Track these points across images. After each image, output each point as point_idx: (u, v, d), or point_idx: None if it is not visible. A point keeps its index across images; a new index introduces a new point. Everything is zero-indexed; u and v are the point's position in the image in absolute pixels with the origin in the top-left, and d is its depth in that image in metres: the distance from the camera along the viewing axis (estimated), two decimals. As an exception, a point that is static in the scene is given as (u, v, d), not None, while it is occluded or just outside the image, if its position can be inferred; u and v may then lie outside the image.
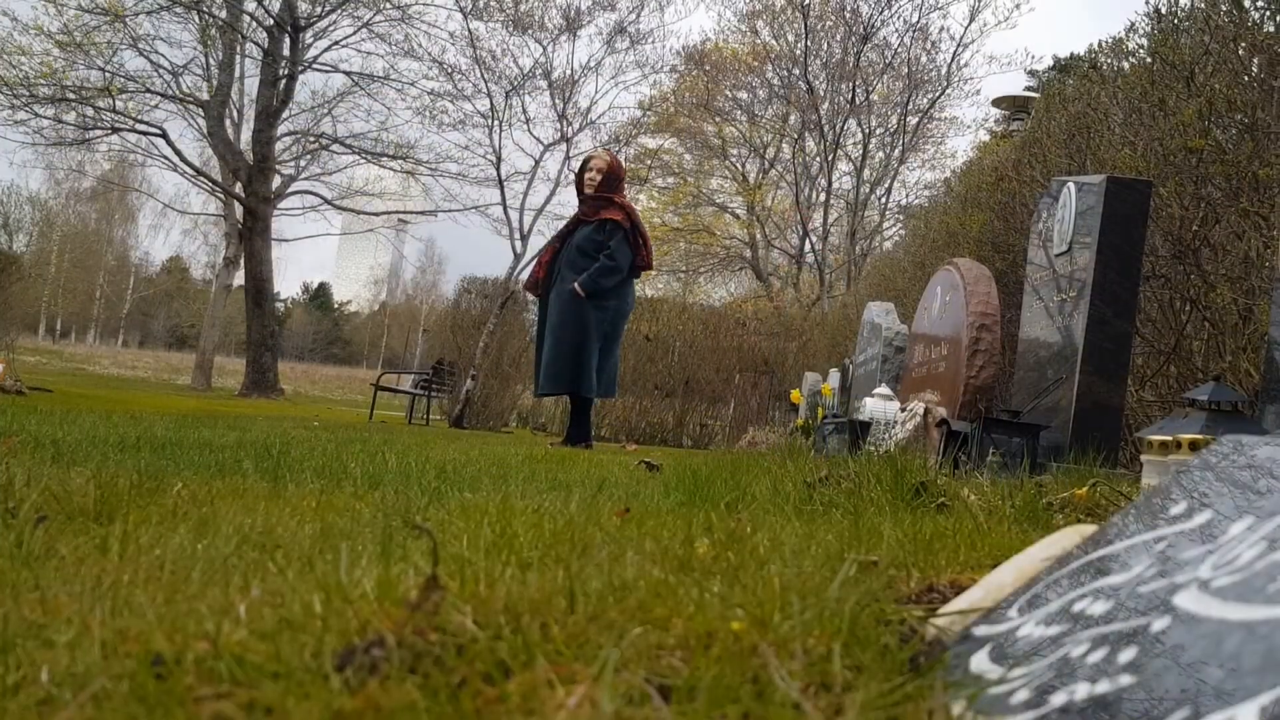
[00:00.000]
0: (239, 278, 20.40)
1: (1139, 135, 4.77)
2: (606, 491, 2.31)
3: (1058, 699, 0.66)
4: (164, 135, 17.59)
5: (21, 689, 0.68)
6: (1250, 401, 3.02)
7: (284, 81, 17.52)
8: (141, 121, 17.46)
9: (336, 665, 0.67)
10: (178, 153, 17.97)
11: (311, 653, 0.70)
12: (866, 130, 20.52)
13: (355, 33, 18.16)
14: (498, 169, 14.59)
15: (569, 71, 15.23)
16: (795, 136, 21.67)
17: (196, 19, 17.70)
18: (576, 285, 6.52)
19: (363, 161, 20.49)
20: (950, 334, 5.34)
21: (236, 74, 19.45)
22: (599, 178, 6.77)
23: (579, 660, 0.71)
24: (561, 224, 7.24)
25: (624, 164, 6.93)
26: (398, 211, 25.36)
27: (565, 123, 14.80)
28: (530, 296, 6.75)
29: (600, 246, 6.65)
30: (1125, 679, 0.64)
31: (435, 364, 13.79)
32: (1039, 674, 0.71)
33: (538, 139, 15.14)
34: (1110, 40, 5.75)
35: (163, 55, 17.43)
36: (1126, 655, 0.67)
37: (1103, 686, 0.65)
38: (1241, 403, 2.62)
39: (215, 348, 23.70)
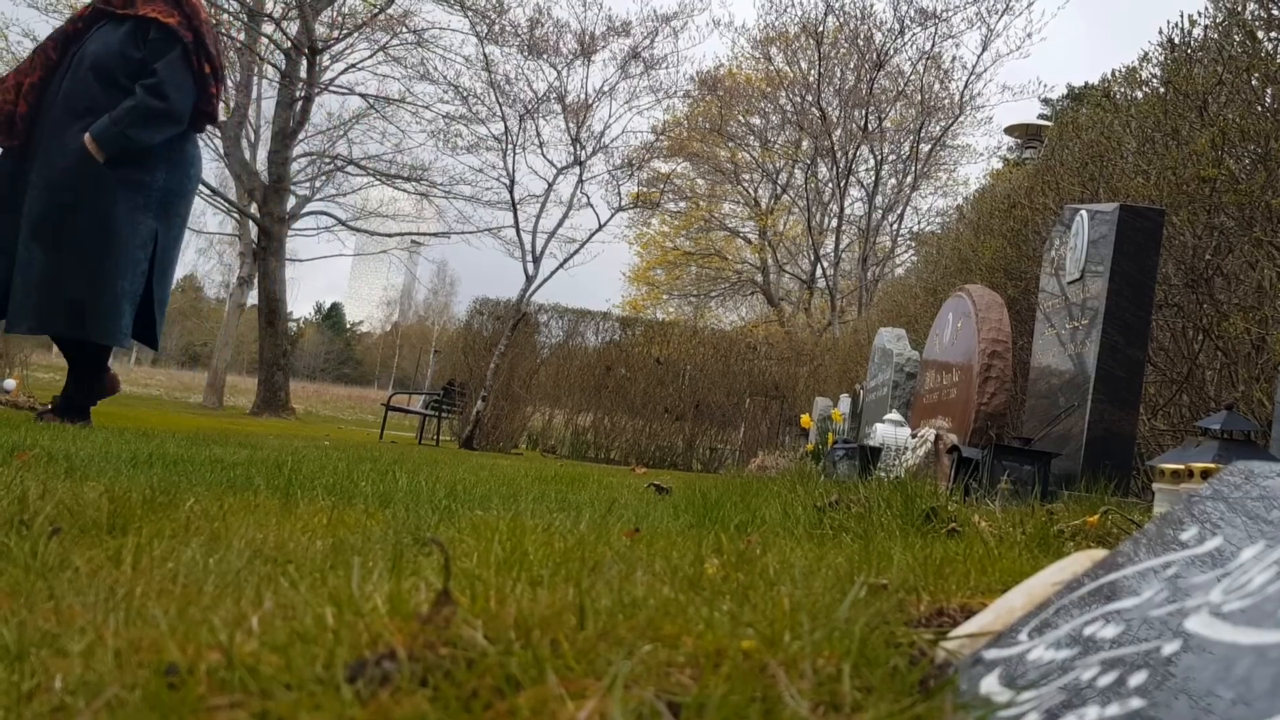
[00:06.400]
0: (252, 297, 20.55)
1: (1152, 164, 4.77)
2: (616, 512, 2.31)
3: (1068, 722, 0.66)
4: (181, 155, 17.74)
5: (35, 696, 0.69)
6: (1262, 430, 3.01)
7: (300, 103, 17.70)
8: (159, 140, 17.62)
9: (348, 677, 0.68)
10: (195, 172, 18.11)
11: (323, 664, 0.70)
12: (879, 157, 20.58)
13: (371, 56, 18.41)
14: (511, 192, 14.68)
15: (583, 96, 15.34)
16: (808, 162, 21.74)
17: (216, 41, 17.91)
18: (89, 137, 3.79)
19: (377, 183, 20.70)
20: (962, 360, 5.33)
21: (254, 95, 19.67)
22: None
23: (589, 675, 0.71)
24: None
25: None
26: (411, 233, 25.55)
27: (579, 146, 14.89)
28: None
29: (136, 68, 3.90)
30: (1135, 702, 0.64)
31: (446, 385, 13.83)
32: (1049, 697, 0.71)
33: (551, 162, 15.25)
34: (1124, 70, 5.77)
35: (181, 76, 17.63)
36: (1137, 679, 0.67)
37: (1113, 710, 0.64)
38: (1254, 432, 2.60)
39: (227, 366, 23.80)
